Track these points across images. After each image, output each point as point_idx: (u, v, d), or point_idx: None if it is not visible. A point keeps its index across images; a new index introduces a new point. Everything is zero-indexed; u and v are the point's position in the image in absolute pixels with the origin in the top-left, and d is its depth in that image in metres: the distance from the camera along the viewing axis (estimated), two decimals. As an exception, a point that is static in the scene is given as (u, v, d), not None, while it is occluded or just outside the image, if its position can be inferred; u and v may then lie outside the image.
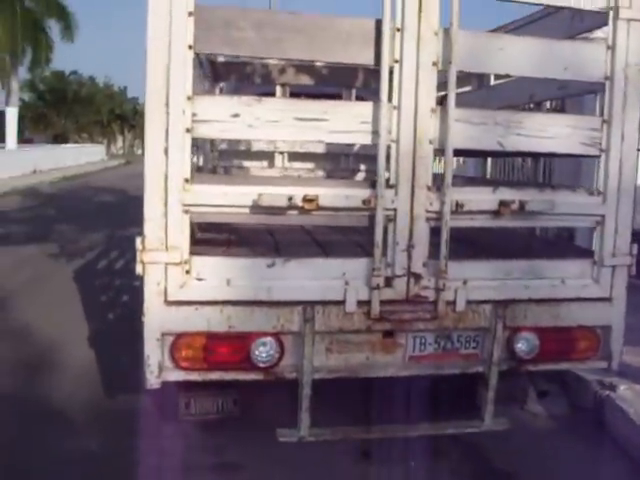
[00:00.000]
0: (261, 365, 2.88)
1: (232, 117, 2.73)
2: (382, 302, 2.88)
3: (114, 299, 6.42)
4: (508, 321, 3.04)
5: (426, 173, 2.87)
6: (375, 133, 2.80)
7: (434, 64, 2.83)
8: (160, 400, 3.47)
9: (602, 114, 3.10)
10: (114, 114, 48.91)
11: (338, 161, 6.06)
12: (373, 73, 5.56)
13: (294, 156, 5.73)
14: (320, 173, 5.77)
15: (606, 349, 3.23)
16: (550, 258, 3.20)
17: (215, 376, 2.90)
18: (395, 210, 2.86)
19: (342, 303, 2.86)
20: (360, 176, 5.81)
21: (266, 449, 3.18)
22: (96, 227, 10.55)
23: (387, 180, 2.84)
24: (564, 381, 4.31)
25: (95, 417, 3.70)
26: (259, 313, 2.84)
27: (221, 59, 5.23)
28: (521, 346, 3.11)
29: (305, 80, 5.23)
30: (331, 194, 2.81)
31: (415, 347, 3.02)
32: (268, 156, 5.73)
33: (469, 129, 2.92)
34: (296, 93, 5.14)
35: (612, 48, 3.03)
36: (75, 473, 3.10)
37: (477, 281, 3.00)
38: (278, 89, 5.42)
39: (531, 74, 3.10)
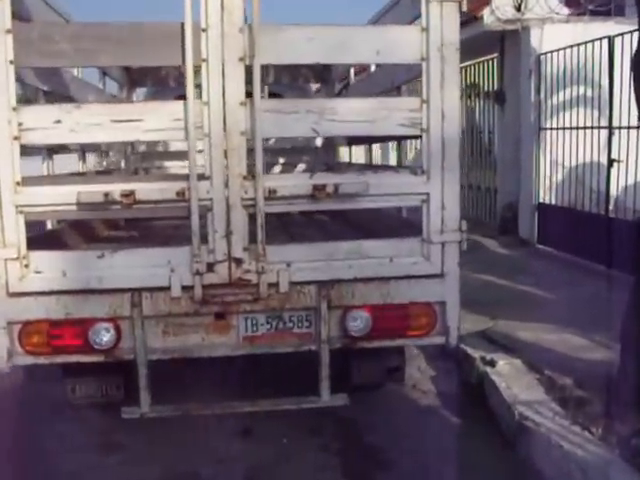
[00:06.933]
0: (100, 348, 3.39)
1: (55, 123, 3.23)
2: (206, 286, 3.32)
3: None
4: (335, 300, 3.42)
5: (240, 163, 3.27)
6: (187, 129, 3.25)
7: (240, 59, 3.21)
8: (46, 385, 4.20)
9: (421, 94, 3.45)
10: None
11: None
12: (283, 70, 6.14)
13: None
14: None
15: (443, 324, 3.55)
16: (376, 238, 3.55)
17: (60, 359, 3.42)
18: (211, 200, 3.28)
19: (168, 289, 3.35)
20: (276, 169, 6.35)
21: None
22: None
23: (202, 172, 3.32)
24: (455, 359, 4.80)
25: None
26: (93, 301, 3.35)
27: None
28: (353, 324, 3.47)
29: None
30: (147, 188, 3.28)
31: (247, 328, 3.47)
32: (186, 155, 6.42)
33: (280, 118, 3.31)
34: None
35: (426, 30, 3.33)
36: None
37: (301, 263, 3.38)
38: None
39: (342, 60, 3.61)
